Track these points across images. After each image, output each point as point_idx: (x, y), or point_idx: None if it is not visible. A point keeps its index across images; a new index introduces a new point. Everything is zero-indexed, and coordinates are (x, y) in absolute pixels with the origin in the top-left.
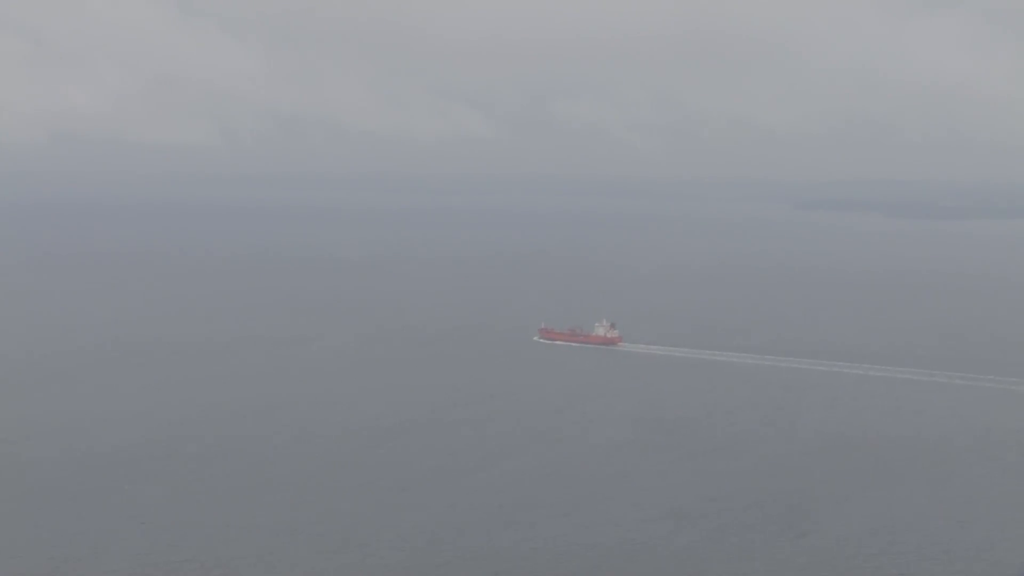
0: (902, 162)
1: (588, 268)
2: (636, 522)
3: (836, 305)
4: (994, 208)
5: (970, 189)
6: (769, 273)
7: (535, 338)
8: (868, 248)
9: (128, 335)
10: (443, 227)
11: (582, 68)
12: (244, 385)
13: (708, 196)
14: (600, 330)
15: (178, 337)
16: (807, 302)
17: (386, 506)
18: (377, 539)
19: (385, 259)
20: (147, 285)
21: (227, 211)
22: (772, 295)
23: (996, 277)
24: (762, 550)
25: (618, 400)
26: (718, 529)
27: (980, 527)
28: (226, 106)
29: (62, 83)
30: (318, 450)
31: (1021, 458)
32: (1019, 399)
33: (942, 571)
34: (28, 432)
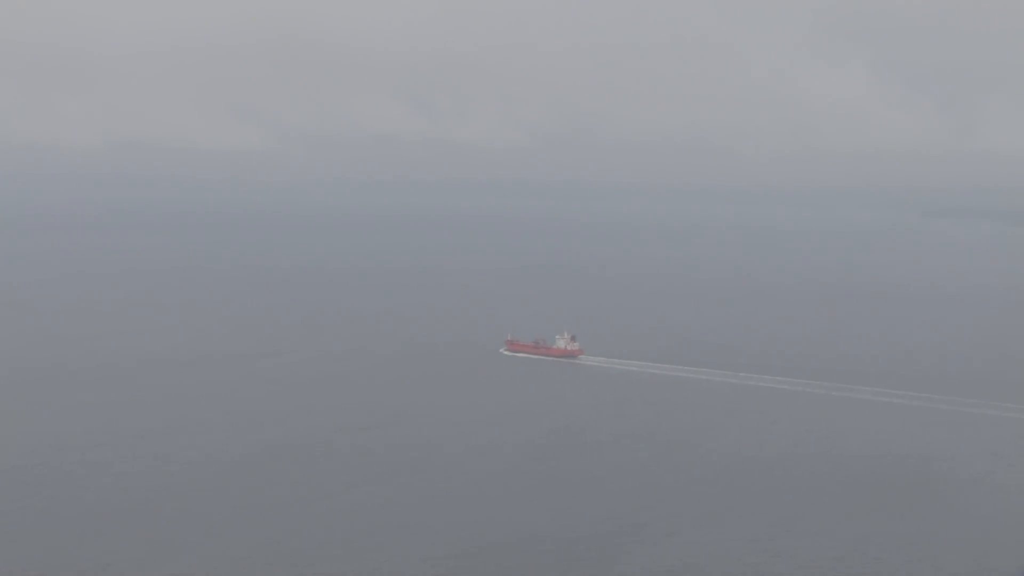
0: None
1: (611, 279)
2: (425, 560)
3: (853, 319)
4: None
5: None
6: (797, 285)
7: (501, 350)
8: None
9: (92, 350)
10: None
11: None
12: (169, 405)
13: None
14: (561, 343)
15: (143, 352)
16: (823, 316)
17: (205, 538)
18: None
19: (407, 268)
20: (145, 296)
21: (237, 220)
22: (785, 309)
23: None
24: None
25: (536, 420)
26: (500, 570)
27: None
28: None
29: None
30: (188, 475)
31: (898, 492)
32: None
33: None
34: None
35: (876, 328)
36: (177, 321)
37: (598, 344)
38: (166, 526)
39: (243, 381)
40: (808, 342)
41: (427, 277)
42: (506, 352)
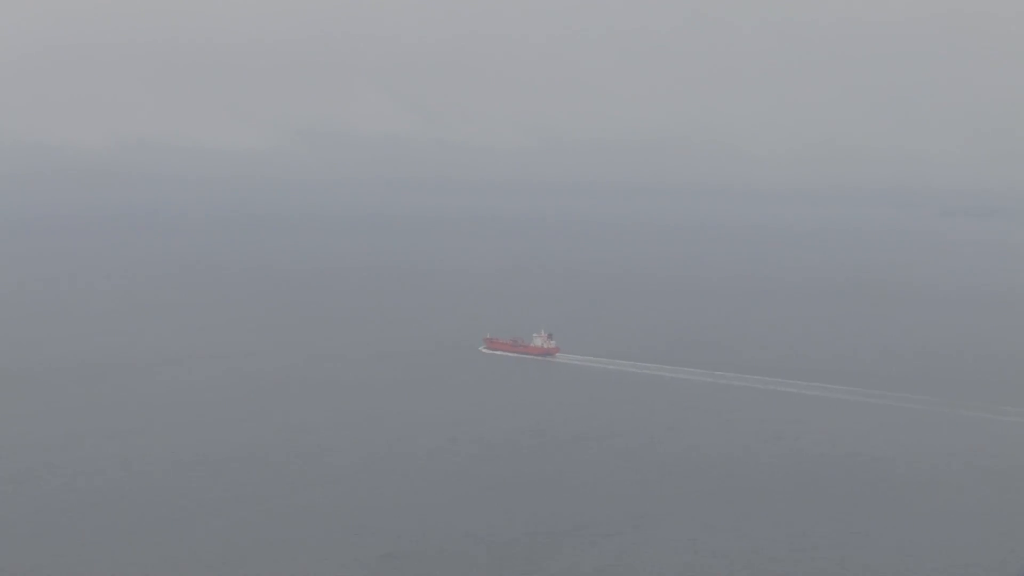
0: None
1: (608, 279)
2: (353, 562)
3: (835, 319)
4: None
5: None
6: (801, 285)
7: (481, 348)
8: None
9: (77, 352)
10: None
11: None
12: (141, 406)
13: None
14: (538, 341)
15: (128, 353)
16: (806, 316)
17: (158, 539)
18: None
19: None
20: (138, 298)
21: (235, 220)
22: (767, 308)
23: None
24: None
25: (503, 420)
26: (425, 571)
27: None
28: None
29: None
30: (149, 476)
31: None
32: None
33: None
34: None
35: (858, 327)
36: (165, 322)
37: (575, 343)
38: (114, 528)
39: (219, 382)
40: (789, 341)
41: (415, 277)
42: (485, 350)
